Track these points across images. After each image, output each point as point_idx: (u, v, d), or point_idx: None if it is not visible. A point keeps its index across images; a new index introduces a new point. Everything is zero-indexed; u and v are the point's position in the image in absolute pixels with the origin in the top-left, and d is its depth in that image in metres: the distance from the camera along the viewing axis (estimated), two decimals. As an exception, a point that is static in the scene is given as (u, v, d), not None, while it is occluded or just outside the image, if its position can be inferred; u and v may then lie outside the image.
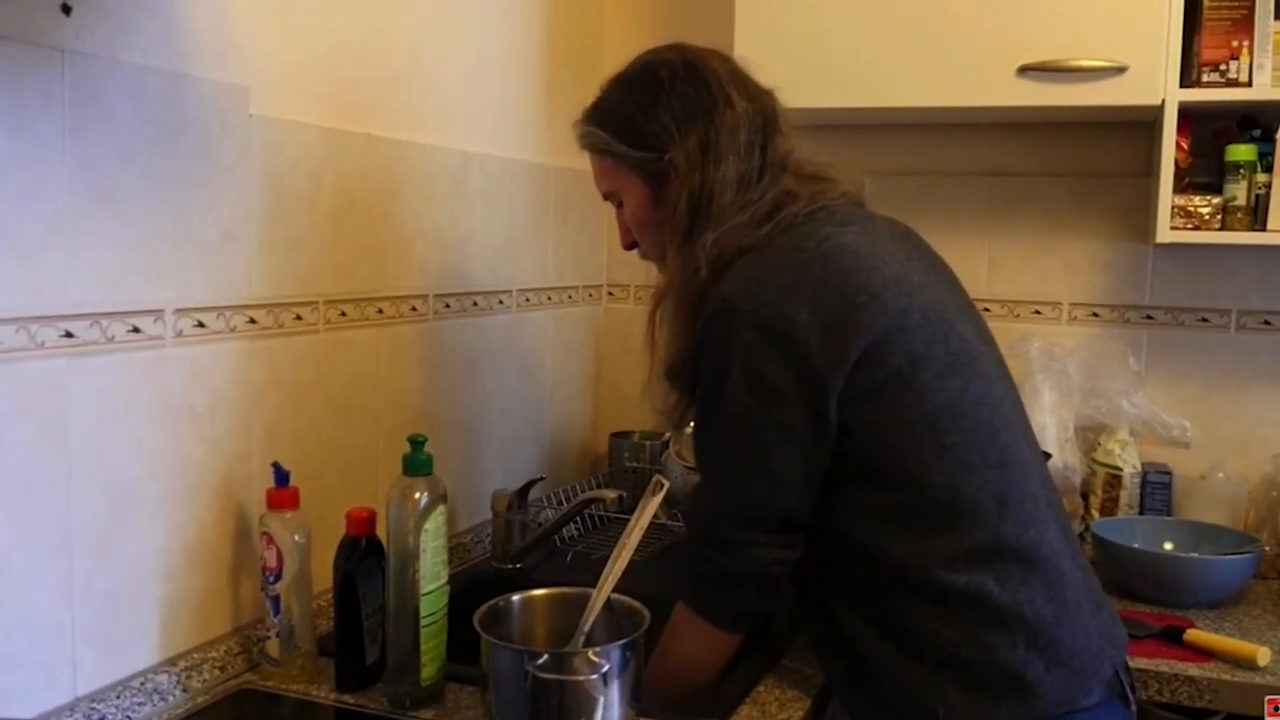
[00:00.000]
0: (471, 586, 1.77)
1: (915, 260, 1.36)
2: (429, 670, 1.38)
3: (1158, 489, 2.12)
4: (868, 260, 1.29)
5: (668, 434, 2.27)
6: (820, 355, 1.22)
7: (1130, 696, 1.31)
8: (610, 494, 1.85)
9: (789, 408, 1.23)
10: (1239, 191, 1.94)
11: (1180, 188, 1.97)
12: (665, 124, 1.37)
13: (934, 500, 1.24)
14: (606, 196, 1.50)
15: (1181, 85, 1.89)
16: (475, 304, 2.02)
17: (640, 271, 2.52)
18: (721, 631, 1.34)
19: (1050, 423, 2.10)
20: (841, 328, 1.23)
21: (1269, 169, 1.92)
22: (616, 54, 2.48)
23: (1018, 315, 2.30)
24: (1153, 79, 1.88)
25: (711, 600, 1.33)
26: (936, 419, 1.25)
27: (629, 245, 1.51)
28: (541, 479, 2.04)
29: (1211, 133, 2.06)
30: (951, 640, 1.22)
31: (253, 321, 1.48)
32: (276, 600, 1.43)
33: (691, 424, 2.06)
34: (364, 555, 1.43)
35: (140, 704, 1.32)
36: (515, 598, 1.43)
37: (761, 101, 1.39)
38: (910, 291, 1.28)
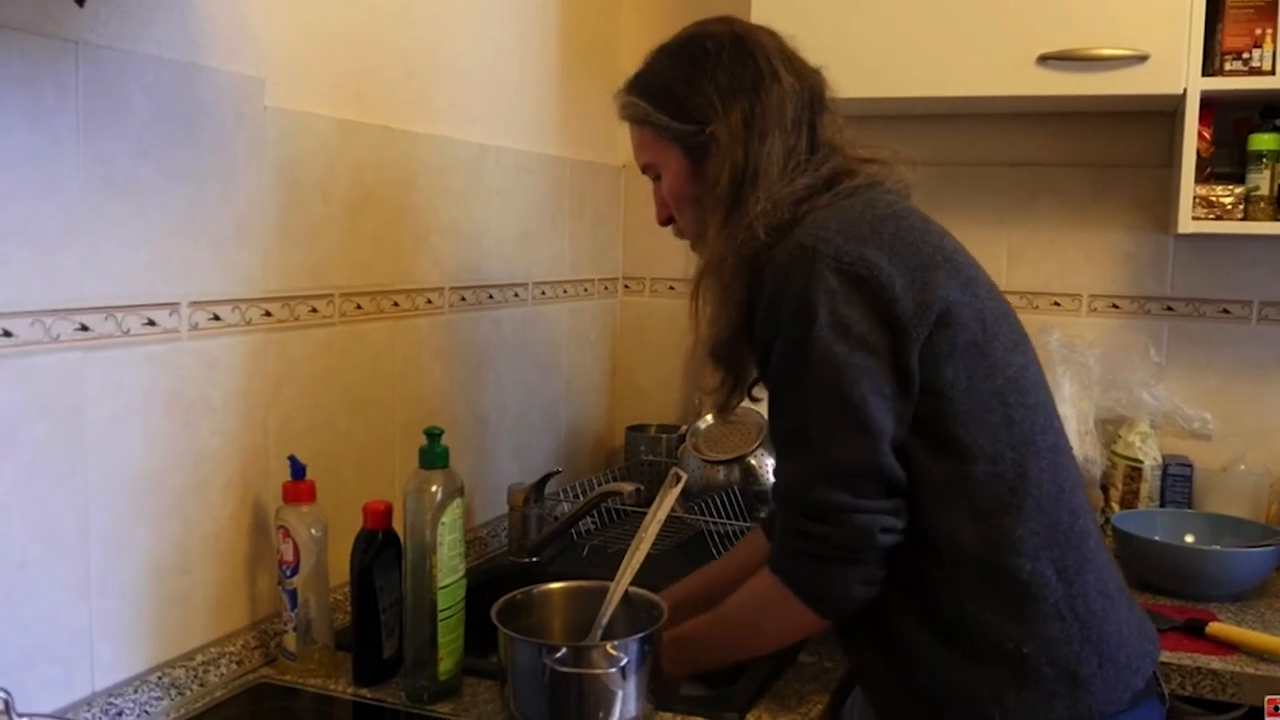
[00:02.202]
0: (489, 580, 1.77)
1: (963, 248, 1.35)
2: (446, 664, 1.38)
3: (1179, 481, 2.11)
4: (936, 228, 1.29)
5: (685, 427, 2.26)
6: (904, 302, 1.18)
7: (1164, 694, 1.30)
8: (627, 487, 1.84)
9: (875, 356, 1.18)
10: (1262, 181, 1.93)
11: (1202, 177, 1.95)
12: (709, 96, 1.33)
13: (1002, 478, 1.20)
14: (644, 169, 1.45)
15: (1203, 74, 1.88)
16: (491, 297, 2.01)
17: (656, 264, 2.52)
18: (814, 614, 1.24)
19: (1070, 415, 2.08)
20: (922, 282, 1.20)
21: (1292, 158, 1.90)
22: (632, 46, 2.48)
23: (1037, 307, 2.28)
24: (1174, 68, 1.87)
25: (812, 579, 1.22)
26: (1006, 393, 1.22)
27: (665, 220, 1.45)
28: (558, 472, 2.03)
29: (1234, 122, 2.04)
30: (1009, 634, 1.19)
31: (268, 314, 1.48)
32: (293, 594, 1.43)
33: (709, 417, 2.06)
34: (381, 549, 1.42)
35: (158, 698, 1.32)
36: (533, 591, 1.43)
37: (809, 79, 1.36)
38: (974, 264, 1.29)
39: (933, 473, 1.21)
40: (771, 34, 1.38)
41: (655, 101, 1.37)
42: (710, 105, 1.33)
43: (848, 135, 1.37)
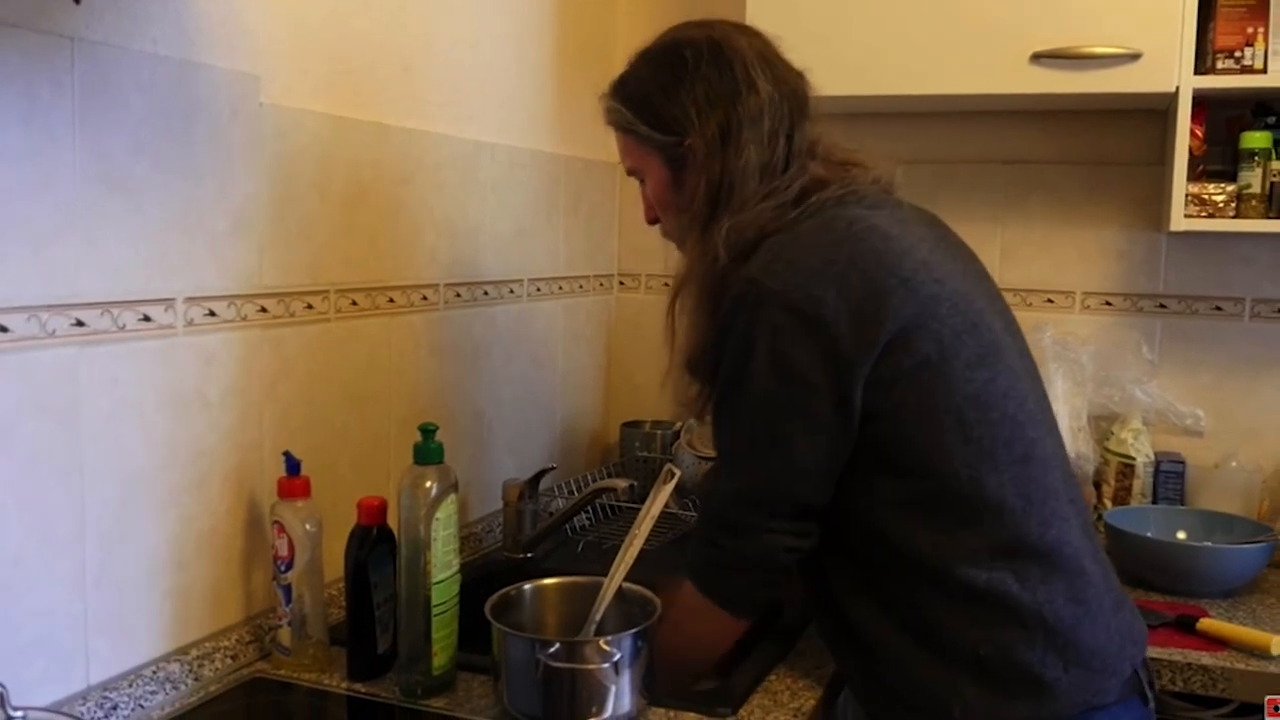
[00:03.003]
0: (483, 576, 1.77)
1: (944, 248, 1.33)
2: (440, 659, 1.38)
3: (1171, 478, 2.12)
4: (898, 244, 1.25)
5: (679, 424, 2.27)
6: (848, 340, 1.18)
7: (1149, 693, 1.30)
8: (621, 483, 1.85)
9: (814, 393, 1.20)
10: (1253, 179, 1.93)
11: (1194, 175, 1.96)
12: (685, 108, 1.33)
13: (958, 494, 1.21)
14: (630, 173, 1.46)
15: (1196, 72, 1.88)
16: (486, 293, 2.01)
17: (651, 260, 2.52)
18: (728, 616, 1.32)
19: (1063, 412, 2.09)
20: (872, 312, 1.19)
21: (1284, 156, 1.91)
22: (628, 42, 2.46)
23: (1030, 304, 2.29)
24: (1167, 66, 1.88)
25: (720, 584, 1.30)
26: (963, 410, 1.21)
27: (652, 220, 1.47)
28: (553, 468, 2.04)
29: (1226, 120, 2.05)
30: (970, 638, 1.20)
31: (264, 310, 1.48)
32: (288, 589, 1.43)
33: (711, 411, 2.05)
34: (375, 544, 1.43)
35: (153, 693, 1.33)
36: (527, 587, 1.43)
37: (790, 85, 1.35)
38: (941, 278, 1.25)
39: (883, 490, 1.23)
40: (753, 36, 1.37)
41: (635, 110, 1.38)
42: (687, 118, 1.33)
43: (825, 141, 1.37)
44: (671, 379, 1.37)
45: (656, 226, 1.48)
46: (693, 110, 1.33)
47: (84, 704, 1.24)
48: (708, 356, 1.31)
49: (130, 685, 1.30)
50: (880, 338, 1.19)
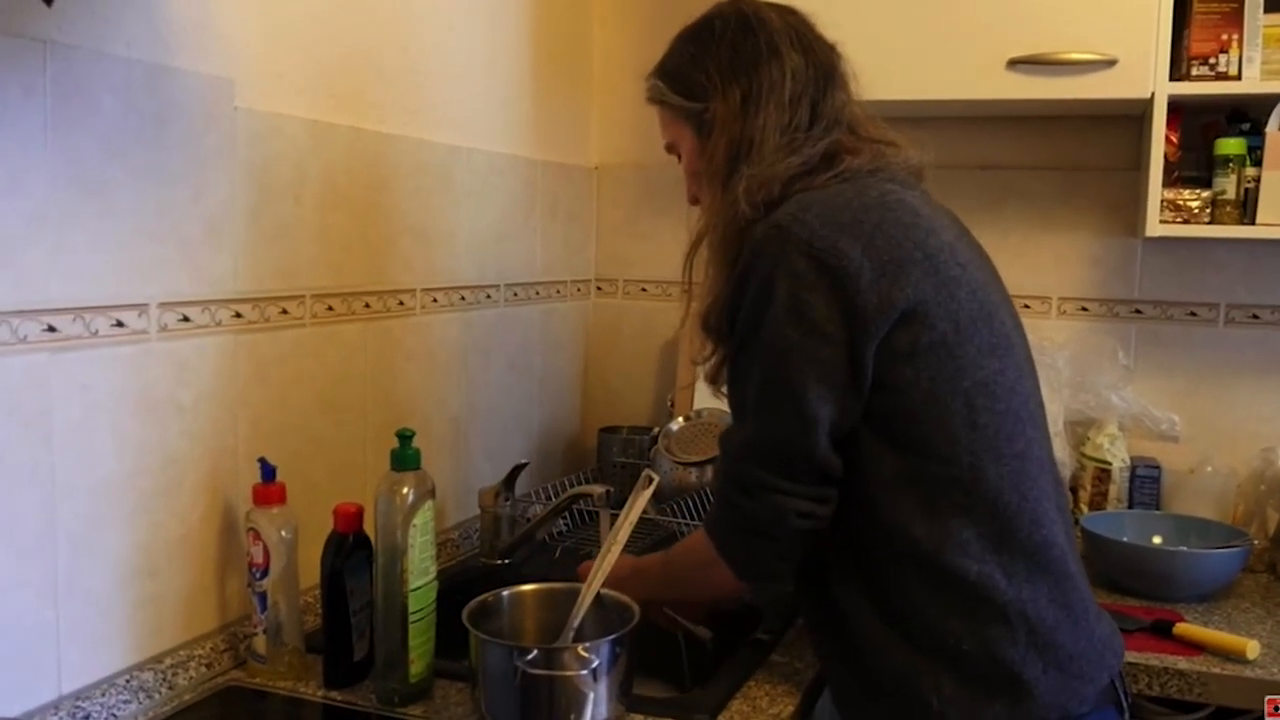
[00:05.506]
0: (460, 582, 1.76)
1: (966, 240, 1.36)
2: (417, 666, 1.38)
3: (1147, 483, 2.13)
4: (926, 222, 1.27)
5: (656, 429, 2.27)
6: (868, 295, 1.18)
7: (1125, 704, 1.30)
8: (598, 489, 1.84)
9: (829, 345, 1.19)
10: (1228, 185, 1.95)
11: (1169, 181, 1.97)
12: (711, 74, 1.36)
13: (957, 480, 1.21)
14: (668, 149, 1.48)
15: (1171, 78, 1.90)
16: (463, 298, 2.01)
17: (628, 266, 2.52)
18: (733, 574, 1.31)
19: (1040, 417, 2.09)
20: (893, 275, 1.19)
21: (1258, 163, 1.92)
22: (604, 48, 2.48)
23: (1007, 309, 2.29)
24: (1142, 72, 1.89)
25: (734, 546, 1.29)
26: (973, 396, 1.22)
27: (693, 200, 1.47)
28: (525, 464, 2.02)
29: (1201, 126, 2.06)
30: (952, 630, 1.20)
31: (238, 316, 1.47)
32: (263, 597, 1.42)
33: (681, 419, 2.06)
34: (351, 551, 1.42)
35: (125, 702, 1.31)
36: (504, 593, 1.43)
37: (819, 56, 1.37)
38: (963, 263, 1.27)
39: (884, 465, 1.22)
40: (785, 12, 1.40)
41: (669, 82, 1.42)
42: (712, 83, 1.36)
43: (858, 115, 1.39)
44: (689, 336, 1.37)
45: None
46: (717, 76, 1.36)
47: (56, 714, 1.23)
48: (725, 309, 1.30)
49: (103, 695, 1.29)
50: (899, 302, 1.19)
